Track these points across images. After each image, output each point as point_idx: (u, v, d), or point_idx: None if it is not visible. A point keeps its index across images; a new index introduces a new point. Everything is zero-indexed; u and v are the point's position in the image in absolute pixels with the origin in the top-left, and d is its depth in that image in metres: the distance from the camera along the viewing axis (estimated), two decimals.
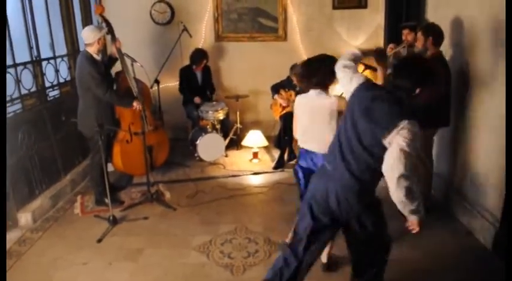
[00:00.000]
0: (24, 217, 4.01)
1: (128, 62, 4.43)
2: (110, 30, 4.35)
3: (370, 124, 2.31)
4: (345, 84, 2.62)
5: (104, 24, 4.34)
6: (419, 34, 3.83)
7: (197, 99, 5.77)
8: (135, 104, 4.30)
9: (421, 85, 2.34)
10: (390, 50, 4.44)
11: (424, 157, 3.94)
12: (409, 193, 2.22)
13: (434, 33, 3.76)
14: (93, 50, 4.09)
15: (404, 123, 2.19)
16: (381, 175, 2.31)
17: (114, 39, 4.35)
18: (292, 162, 5.48)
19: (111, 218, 3.96)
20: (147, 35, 6.34)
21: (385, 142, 2.24)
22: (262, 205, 4.47)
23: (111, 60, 4.50)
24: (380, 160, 2.26)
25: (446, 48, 4.07)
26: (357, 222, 2.61)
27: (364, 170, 2.39)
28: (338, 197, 2.45)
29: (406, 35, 4.40)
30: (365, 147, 2.35)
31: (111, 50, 4.45)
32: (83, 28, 5.34)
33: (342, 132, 2.50)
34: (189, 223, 4.03)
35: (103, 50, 4.38)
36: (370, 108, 2.34)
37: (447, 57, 4.00)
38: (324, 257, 3.23)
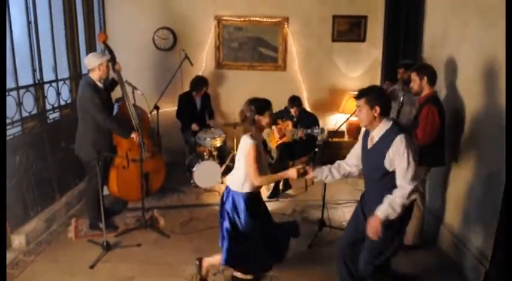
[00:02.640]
0: (18, 239, 4.02)
1: (129, 89, 4.50)
2: (112, 58, 4.44)
3: None
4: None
5: (106, 52, 4.43)
6: (413, 75, 3.89)
7: (194, 127, 5.83)
8: (133, 135, 4.36)
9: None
10: (386, 87, 4.53)
11: (418, 196, 3.98)
12: None
13: (428, 73, 3.84)
14: (95, 77, 4.17)
15: None
16: None
17: (114, 62, 4.44)
18: (288, 192, 5.53)
19: (104, 243, 3.97)
20: (148, 60, 6.45)
21: None
22: None
23: (113, 84, 4.58)
24: None
25: (440, 88, 4.16)
26: None
27: None
28: None
29: (402, 73, 4.50)
30: None
31: (113, 72, 4.54)
32: (86, 52, 5.50)
33: None
34: (182, 252, 4.04)
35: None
36: None
37: (442, 97, 4.09)
38: None
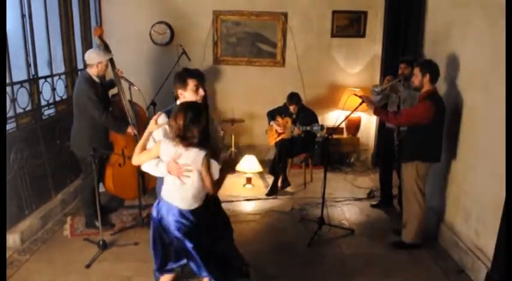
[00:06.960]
0: (12, 238, 3.94)
1: (125, 85, 4.42)
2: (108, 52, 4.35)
3: None
4: None
5: (102, 47, 4.35)
6: (416, 70, 3.85)
7: None
8: (129, 130, 4.28)
9: None
10: (387, 81, 4.49)
11: (419, 193, 3.94)
12: None
13: (431, 70, 3.80)
14: (92, 72, 4.10)
15: None
16: None
17: (114, 67, 4.35)
18: (286, 189, 5.47)
19: (101, 242, 3.90)
20: (145, 56, 6.37)
21: None
22: (254, 234, 4.43)
23: (112, 84, 4.51)
24: None
25: (441, 84, 4.11)
26: None
27: None
28: None
29: (403, 69, 4.45)
30: None
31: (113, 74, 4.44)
32: (82, 46, 5.41)
33: None
34: None
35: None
36: None
37: (442, 93, 4.04)
38: None
